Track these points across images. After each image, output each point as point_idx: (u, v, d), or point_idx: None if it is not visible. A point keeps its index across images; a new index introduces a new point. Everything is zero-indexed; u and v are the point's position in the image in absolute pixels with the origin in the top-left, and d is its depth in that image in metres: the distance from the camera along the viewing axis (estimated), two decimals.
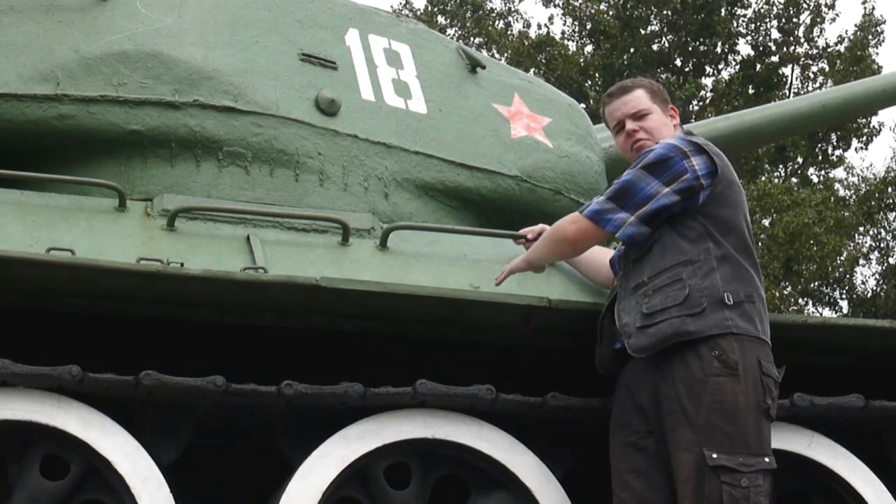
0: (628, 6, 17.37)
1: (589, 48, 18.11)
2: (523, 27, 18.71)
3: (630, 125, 3.04)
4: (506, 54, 17.95)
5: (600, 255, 3.39)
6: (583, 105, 14.16)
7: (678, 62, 17.63)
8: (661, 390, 2.76)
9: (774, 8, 17.67)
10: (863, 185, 18.84)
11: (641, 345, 2.77)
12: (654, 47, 17.64)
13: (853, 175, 19.26)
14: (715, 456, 2.63)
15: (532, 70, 17.44)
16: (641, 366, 2.82)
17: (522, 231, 3.55)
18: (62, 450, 2.74)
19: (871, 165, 25.00)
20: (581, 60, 17.93)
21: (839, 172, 19.11)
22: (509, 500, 2.98)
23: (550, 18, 18.26)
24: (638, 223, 2.85)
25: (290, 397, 2.82)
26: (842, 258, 17.53)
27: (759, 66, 17.73)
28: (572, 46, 18.27)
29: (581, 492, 3.06)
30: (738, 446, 2.66)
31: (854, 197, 18.62)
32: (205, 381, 2.77)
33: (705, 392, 2.68)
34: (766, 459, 2.70)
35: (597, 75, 17.92)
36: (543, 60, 17.90)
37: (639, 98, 3.06)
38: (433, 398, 2.93)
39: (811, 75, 18.05)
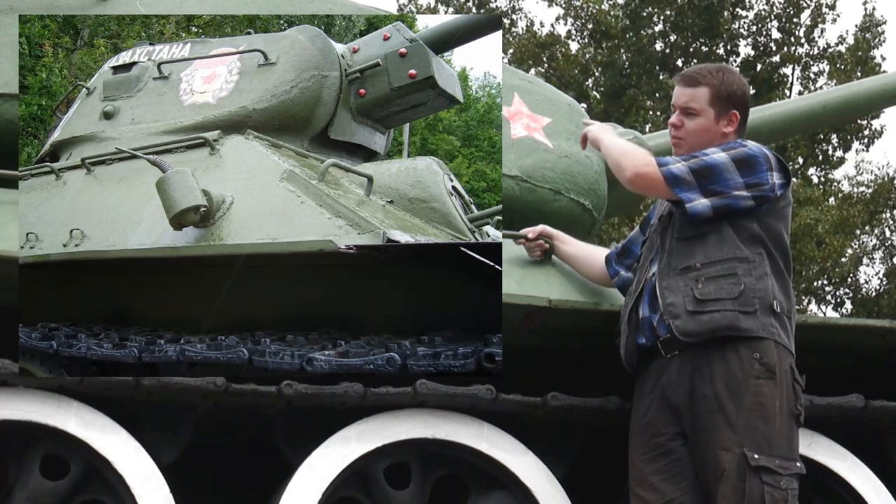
0: (631, 5, 17.35)
1: (591, 48, 18.10)
2: (527, 25, 18.71)
3: (674, 118, 3.04)
4: (509, 52, 17.95)
5: (597, 253, 3.39)
6: (583, 105, 14.12)
7: (679, 63, 17.61)
8: (699, 389, 2.75)
9: (775, 8, 17.66)
10: (866, 187, 18.83)
11: (690, 329, 2.75)
12: (657, 47, 17.64)
13: (862, 174, 19.27)
14: (756, 457, 2.64)
15: (534, 69, 17.44)
16: (675, 363, 2.81)
17: (522, 231, 3.55)
18: (62, 450, 2.75)
19: (887, 164, 24.84)
20: (583, 60, 17.93)
21: (841, 172, 19.14)
22: (509, 500, 2.98)
23: (558, 18, 18.18)
24: (709, 209, 2.82)
25: (290, 397, 2.83)
26: (845, 258, 17.51)
27: (759, 67, 17.72)
28: (574, 46, 18.27)
29: (581, 492, 3.06)
30: (775, 449, 2.67)
31: (862, 195, 18.55)
32: (205, 381, 2.77)
33: (746, 393, 2.69)
34: (798, 464, 2.72)
35: (598, 74, 17.92)
36: (545, 59, 17.88)
37: (698, 96, 3.01)
38: (433, 398, 2.93)
39: (812, 75, 18.05)
